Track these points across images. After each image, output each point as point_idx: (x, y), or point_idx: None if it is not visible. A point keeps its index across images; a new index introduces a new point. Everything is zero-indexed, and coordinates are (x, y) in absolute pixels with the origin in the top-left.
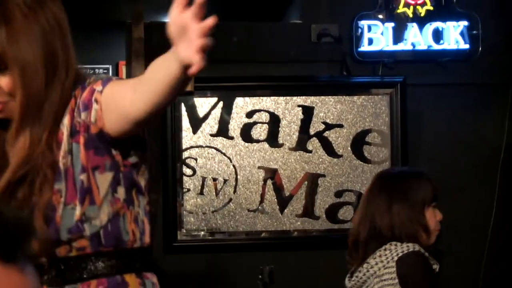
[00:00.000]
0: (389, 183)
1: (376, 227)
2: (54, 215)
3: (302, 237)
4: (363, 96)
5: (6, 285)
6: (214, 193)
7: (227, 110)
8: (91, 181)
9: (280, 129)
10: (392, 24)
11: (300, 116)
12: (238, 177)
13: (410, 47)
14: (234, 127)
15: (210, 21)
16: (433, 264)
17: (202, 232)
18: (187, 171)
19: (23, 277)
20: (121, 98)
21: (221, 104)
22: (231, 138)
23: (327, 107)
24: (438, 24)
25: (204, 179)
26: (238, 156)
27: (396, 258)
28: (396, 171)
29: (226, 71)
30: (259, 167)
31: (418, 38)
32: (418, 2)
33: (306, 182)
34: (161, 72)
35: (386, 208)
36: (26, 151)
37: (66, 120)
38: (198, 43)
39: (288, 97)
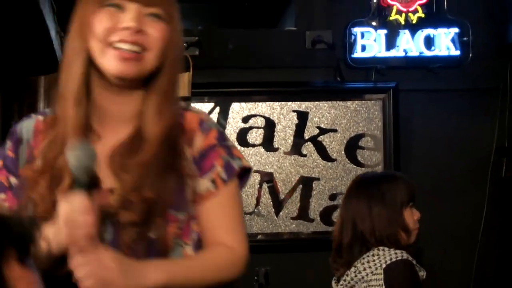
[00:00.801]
0: (366, 187)
1: (358, 231)
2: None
3: (297, 239)
4: (356, 101)
5: (25, 285)
6: None
7: (224, 115)
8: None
9: (275, 133)
10: (385, 31)
11: (295, 121)
12: None
13: (402, 54)
14: (231, 132)
15: None
16: (420, 271)
17: None
18: None
19: (35, 276)
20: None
21: (217, 109)
22: None
23: (321, 112)
24: (429, 31)
25: None
26: None
27: (384, 266)
28: (372, 175)
29: (222, 77)
30: (255, 171)
31: (410, 45)
32: (410, 9)
33: (300, 186)
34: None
35: (366, 212)
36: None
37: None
38: None
39: (283, 103)
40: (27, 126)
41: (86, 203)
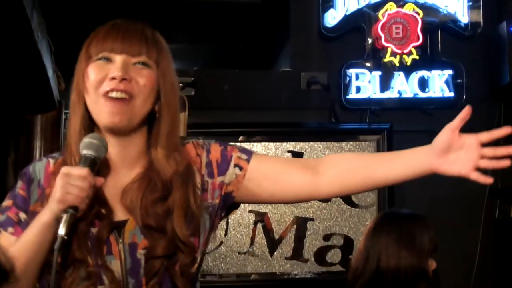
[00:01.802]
0: (397, 225)
1: (381, 269)
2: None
3: (291, 280)
4: (351, 142)
5: None
6: None
7: None
8: (209, 238)
9: None
10: (379, 73)
11: None
12: (229, 220)
13: (396, 95)
14: None
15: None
16: None
17: None
18: None
19: None
20: (288, 177)
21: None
22: None
23: (316, 153)
24: (423, 73)
25: None
26: None
27: None
28: (404, 213)
29: (218, 117)
30: (249, 211)
31: (404, 86)
32: (405, 51)
33: (295, 226)
34: (389, 173)
35: (394, 252)
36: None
37: (197, 177)
38: (478, 164)
39: (278, 143)
40: (39, 168)
41: (85, 173)
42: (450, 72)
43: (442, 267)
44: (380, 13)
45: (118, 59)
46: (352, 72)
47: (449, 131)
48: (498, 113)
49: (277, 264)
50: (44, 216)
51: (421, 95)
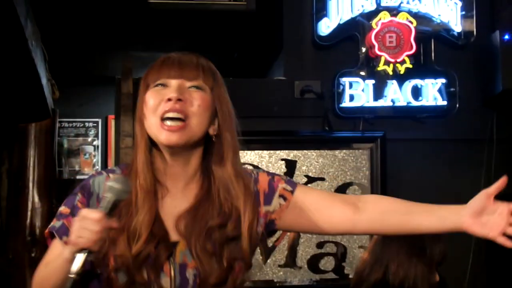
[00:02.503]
0: (403, 238)
1: (388, 275)
2: None
3: (285, 287)
4: (344, 150)
5: None
6: None
7: None
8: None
9: None
10: (373, 81)
11: (283, 169)
12: None
13: (390, 103)
14: None
15: None
16: None
17: None
18: None
19: None
20: (330, 210)
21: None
22: None
23: (309, 161)
24: (417, 82)
25: None
26: None
27: None
28: None
29: None
30: None
31: (397, 95)
32: (398, 60)
33: (288, 233)
34: (422, 222)
35: (404, 260)
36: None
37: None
38: (506, 230)
39: (271, 151)
40: (98, 181)
41: (100, 217)
42: (443, 80)
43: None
44: (373, 22)
45: (174, 83)
46: (345, 80)
47: (484, 196)
48: (491, 122)
49: (270, 272)
50: (63, 254)
51: (414, 103)
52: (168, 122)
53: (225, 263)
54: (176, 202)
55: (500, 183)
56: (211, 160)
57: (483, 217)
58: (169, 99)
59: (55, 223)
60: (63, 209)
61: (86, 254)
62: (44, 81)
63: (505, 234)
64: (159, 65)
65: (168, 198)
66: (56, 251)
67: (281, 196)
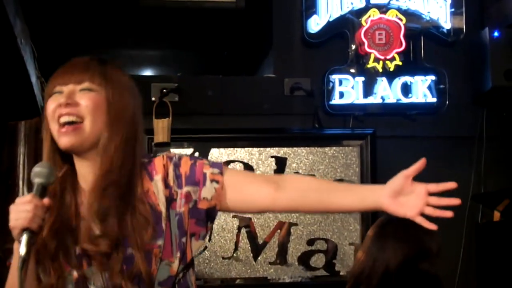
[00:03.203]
0: (404, 232)
1: (389, 273)
2: (150, 268)
3: (275, 284)
4: (334, 148)
5: None
6: None
7: None
8: (187, 244)
9: None
10: (363, 78)
11: (273, 166)
12: (213, 225)
13: (379, 101)
14: None
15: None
16: None
17: None
18: None
19: None
20: (251, 189)
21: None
22: None
23: (299, 158)
24: (406, 79)
25: None
26: None
27: None
28: (407, 220)
29: (201, 123)
30: (233, 216)
31: (387, 92)
32: (388, 57)
33: (279, 231)
34: (341, 200)
35: (403, 257)
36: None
37: (160, 185)
38: (423, 210)
39: (261, 148)
40: None
41: (29, 198)
42: (433, 77)
43: None
44: (363, 19)
45: (66, 89)
46: (335, 78)
47: (403, 177)
48: (481, 119)
49: (261, 269)
50: (14, 245)
51: (404, 100)
52: (64, 127)
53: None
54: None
55: (418, 165)
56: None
57: (402, 198)
58: (60, 105)
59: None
60: None
61: (28, 234)
62: (33, 79)
63: (423, 214)
64: (55, 74)
65: (85, 200)
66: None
67: (213, 180)
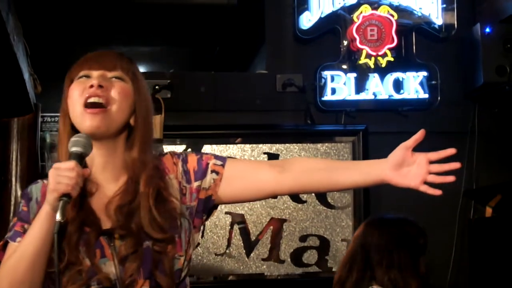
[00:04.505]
0: (388, 226)
1: (372, 264)
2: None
3: (268, 281)
4: (326, 144)
5: None
6: None
7: None
8: (191, 237)
9: None
10: (354, 75)
11: None
12: (206, 222)
13: (371, 97)
14: None
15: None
16: None
17: None
18: None
19: None
20: (255, 174)
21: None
22: None
23: (291, 154)
24: (398, 75)
25: None
26: None
27: None
28: (393, 217)
29: (194, 119)
30: (226, 213)
31: (379, 88)
32: (379, 53)
33: (271, 227)
34: (346, 178)
35: (386, 251)
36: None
37: (174, 182)
38: (426, 178)
39: (254, 145)
40: (35, 188)
41: (72, 164)
42: (425, 73)
43: None
44: (355, 16)
45: (96, 73)
46: (327, 74)
47: (403, 148)
48: (473, 114)
49: (253, 266)
50: (43, 209)
51: (396, 96)
52: (90, 110)
53: (135, 228)
54: (105, 196)
55: (418, 135)
56: (124, 148)
57: (404, 169)
58: (91, 86)
59: (8, 235)
60: (13, 221)
61: (66, 200)
62: (26, 75)
63: (426, 182)
64: (81, 61)
65: (98, 192)
66: (10, 253)
67: (213, 171)
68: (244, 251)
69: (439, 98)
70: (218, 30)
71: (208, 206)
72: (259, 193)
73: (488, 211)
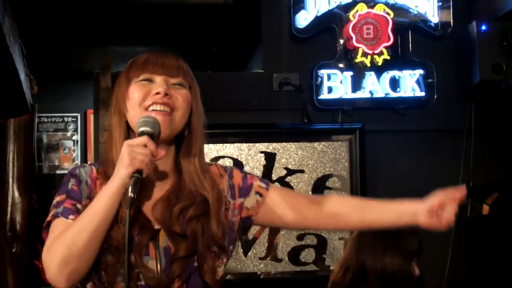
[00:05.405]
0: (380, 232)
1: (365, 270)
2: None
3: (266, 279)
4: (323, 142)
5: None
6: None
7: None
8: (233, 250)
9: None
10: (351, 73)
11: (263, 162)
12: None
13: (368, 95)
14: None
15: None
16: None
17: None
18: None
19: None
20: (295, 206)
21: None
22: None
23: (288, 153)
24: (394, 73)
25: None
26: None
27: None
28: None
29: None
30: None
31: (375, 86)
32: (376, 51)
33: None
34: (380, 218)
35: (380, 254)
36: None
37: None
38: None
39: (251, 144)
40: (85, 171)
41: (146, 140)
42: (421, 72)
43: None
44: (351, 14)
45: (159, 79)
46: (323, 72)
47: (445, 197)
48: (469, 112)
49: (251, 264)
50: (113, 184)
51: (393, 95)
52: (155, 114)
53: (190, 238)
54: (152, 196)
55: (461, 193)
56: (180, 155)
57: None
58: (158, 93)
59: (57, 210)
60: (58, 198)
61: (139, 176)
62: (22, 76)
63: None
64: (143, 61)
65: (145, 192)
66: (62, 228)
67: (257, 193)
68: (241, 250)
69: (435, 96)
70: (214, 29)
71: (246, 225)
72: (295, 225)
73: (485, 208)
